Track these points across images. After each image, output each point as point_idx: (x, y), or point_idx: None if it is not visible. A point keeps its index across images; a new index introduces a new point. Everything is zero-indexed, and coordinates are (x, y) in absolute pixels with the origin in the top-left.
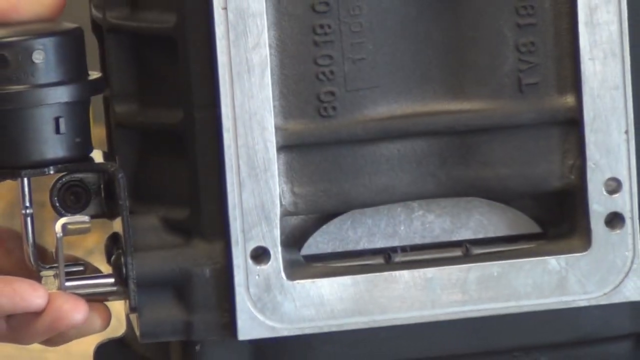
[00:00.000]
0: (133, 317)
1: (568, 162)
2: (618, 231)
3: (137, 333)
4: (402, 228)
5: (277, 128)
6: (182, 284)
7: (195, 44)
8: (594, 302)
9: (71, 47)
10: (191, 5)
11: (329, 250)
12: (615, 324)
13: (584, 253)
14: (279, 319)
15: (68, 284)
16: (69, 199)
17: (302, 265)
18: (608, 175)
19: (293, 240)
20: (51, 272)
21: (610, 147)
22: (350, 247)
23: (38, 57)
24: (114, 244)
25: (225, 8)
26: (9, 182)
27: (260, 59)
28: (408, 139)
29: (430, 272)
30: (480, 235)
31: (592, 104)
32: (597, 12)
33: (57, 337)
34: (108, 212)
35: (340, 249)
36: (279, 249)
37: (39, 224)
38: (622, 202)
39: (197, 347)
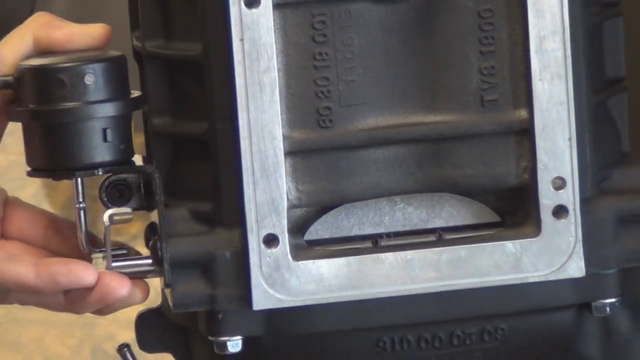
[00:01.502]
0: (167, 291)
1: (522, 164)
2: (563, 220)
3: (171, 304)
4: (386, 218)
5: (284, 137)
6: (207, 264)
7: (218, 69)
8: (543, 279)
9: (116, 71)
10: (214, 37)
11: (327, 236)
12: (560, 296)
13: (535, 238)
14: (286, 292)
15: (114, 264)
16: (115, 194)
17: (305, 249)
18: (555, 174)
19: (297, 228)
20: (100, 255)
21: (556, 152)
22: (344, 233)
23: (89, 79)
24: (151, 232)
25: (242, 39)
26: (66, 182)
27: (270, 80)
28: (391, 145)
29: (409, 254)
30: (451, 224)
31: (541, 117)
32: (545, 41)
33: (105, 308)
34: (147, 205)
35: (336, 235)
36: (286, 235)
37: (91, 215)
38: (566, 197)
39: (220, 316)
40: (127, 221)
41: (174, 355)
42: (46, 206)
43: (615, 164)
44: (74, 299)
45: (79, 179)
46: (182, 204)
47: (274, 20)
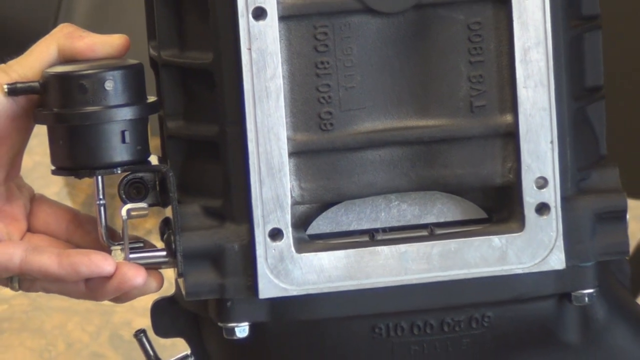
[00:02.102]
0: (180, 281)
1: (507, 165)
2: (545, 217)
3: (183, 293)
4: (382, 214)
5: (288, 139)
6: (217, 256)
7: (227, 76)
8: (527, 270)
9: (134, 78)
10: (224, 46)
11: (328, 231)
12: (543, 286)
13: (520, 233)
14: (289, 282)
15: (131, 256)
16: (132, 192)
17: (307, 242)
18: (537, 174)
19: (300, 223)
20: (119, 247)
21: (539, 154)
22: (344, 228)
23: (109, 85)
24: (166, 226)
25: (249, 49)
26: (86, 181)
27: (276, 87)
28: (387, 147)
29: (403, 247)
30: (442, 220)
31: (525, 121)
32: (529, 52)
33: (123, 296)
34: (162, 201)
35: (336, 230)
36: (290, 229)
37: (110, 212)
38: (548, 195)
39: (228, 304)
40: (144, 216)
41: (186, 340)
42: (68, 204)
43: (593, 166)
44: (94, 287)
45: (99, 177)
46: (194, 200)
47: (279, 31)
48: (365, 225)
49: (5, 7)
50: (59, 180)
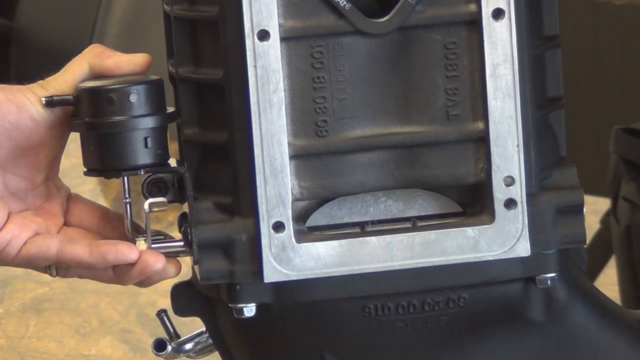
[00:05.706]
0: (196, 267)
1: (479, 166)
2: (512, 211)
3: (199, 278)
4: (371, 209)
5: (289, 144)
6: (227, 245)
7: (236, 89)
8: (497, 257)
9: (155, 91)
10: (233, 64)
11: (323, 223)
12: (510, 271)
13: (490, 225)
14: (290, 268)
15: (153, 245)
16: (154, 190)
17: (306, 233)
18: (505, 174)
19: (300, 217)
20: (142, 239)
21: (507, 156)
22: (337, 221)
23: (133, 98)
24: (183, 220)
25: (255, 66)
26: (115, 180)
27: (278, 99)
28: (375, 150)
29: (389, 237)
30: (422, 213)
31: (495, 128)
32: (498, 68)
33: (146, 280)
34: (180, 198)
35: (330, 223)
36: (291, 222)
37: (136, 207)
38: (515, 192)
39: (237, 287)
40: (163, 209)
41: (202, 319)
42: (101, 199)
43: (554, 166)
44: (120, 273)
45: (125, 178)
46: (207, 197)
47: (280, 50)
48: (356, 219)
49: (47, 31)
50: (93, 179)
